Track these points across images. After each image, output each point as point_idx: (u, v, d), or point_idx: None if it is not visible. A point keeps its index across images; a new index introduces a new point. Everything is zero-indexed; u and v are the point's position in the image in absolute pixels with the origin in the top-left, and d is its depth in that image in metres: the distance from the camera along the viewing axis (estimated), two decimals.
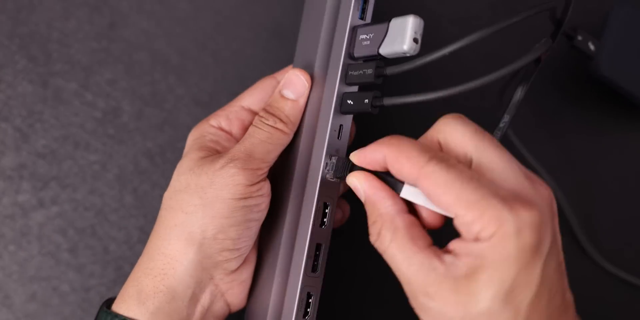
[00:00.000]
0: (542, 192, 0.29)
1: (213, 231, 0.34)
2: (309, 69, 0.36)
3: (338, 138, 0.35)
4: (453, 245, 0.29)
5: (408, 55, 0.32)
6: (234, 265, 0.36)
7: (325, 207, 0.35)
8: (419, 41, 0.32)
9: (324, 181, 0.35)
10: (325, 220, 0.35)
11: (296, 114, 0.36)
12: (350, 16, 0.35)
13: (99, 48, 0.45)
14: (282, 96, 0.36)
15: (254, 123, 0.36)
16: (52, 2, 0.45)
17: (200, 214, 0.34)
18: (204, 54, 0.46)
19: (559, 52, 0.41)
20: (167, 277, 0.34)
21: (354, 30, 0.35)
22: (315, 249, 0.35)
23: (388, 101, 0.33)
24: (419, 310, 0.29)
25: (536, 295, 0.27)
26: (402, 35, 0.32)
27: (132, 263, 0.43)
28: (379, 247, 0.30)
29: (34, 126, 0.44)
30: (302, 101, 0.36)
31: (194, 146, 0.37)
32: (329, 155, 0.35)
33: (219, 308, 0.36)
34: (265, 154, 0.35)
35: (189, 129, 0.45)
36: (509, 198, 0.27)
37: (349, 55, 0.35)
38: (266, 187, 0.35)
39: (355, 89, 0.35)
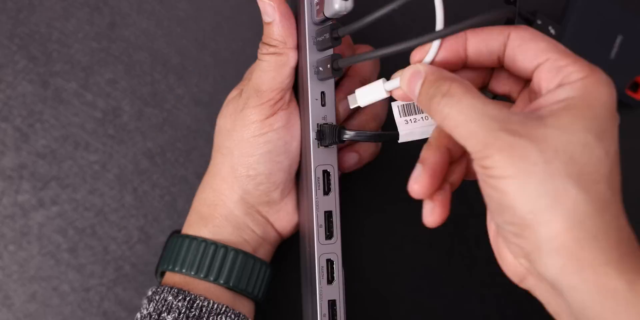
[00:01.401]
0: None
1: (244, 170, 0.37)
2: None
3: (322, 105, 0.36)
4: (525, 107, 0.28)
5: (344, 13, 0.33)
6: (275, 197, 0.38)
7: (326, 174, 0.36)
8: None
9: (316, 150, 0.36)
10: (330, 187, 0.36)
11: (281, 31, 0.36)
12: None
13: (99, 48, 0.45)
14: (265, 23, 0.36)
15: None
16: (52, 2, 0.45)
17: (230, 155, 0.37)
18: (204, 54, 0.46)
19: None
20: (218, 207, 0.38)
21: None
22: (325, 217, 0.36)
23: (342, 63, 0.34)
24: (493, 157, 0.26)
25: (616, 153, 0.26)
26: None
27: (132, 263, 0.43)
28: (444, 103, 0.28)
29: (34, 126, 0.44)
30: (279, 17, 0.35)
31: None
32: (317, 123, 0.35)
33: (271, 236, 0.39)
34: (271, 81, 0.36)
35: (189, 129, 0.45)
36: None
37: (313, 21, 0.36)
38: (280, 119, 0.36)
39: (330, 53, 0.36)
